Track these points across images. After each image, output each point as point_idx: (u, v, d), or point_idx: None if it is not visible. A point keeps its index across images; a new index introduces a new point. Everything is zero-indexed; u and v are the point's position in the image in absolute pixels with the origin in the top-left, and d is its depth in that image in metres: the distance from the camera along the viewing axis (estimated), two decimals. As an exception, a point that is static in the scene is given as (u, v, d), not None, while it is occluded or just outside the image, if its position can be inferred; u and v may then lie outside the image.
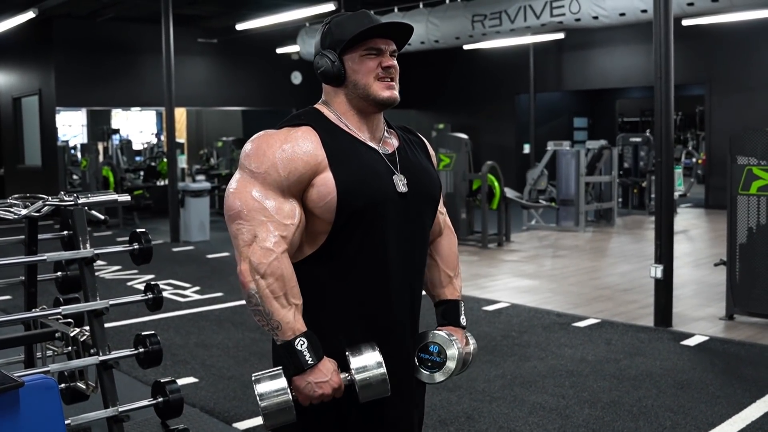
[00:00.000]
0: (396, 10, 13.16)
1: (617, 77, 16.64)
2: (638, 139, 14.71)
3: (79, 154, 16.40)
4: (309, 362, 1.88)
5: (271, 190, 1.92)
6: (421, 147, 2.21)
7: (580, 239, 11.59)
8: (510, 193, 11.27)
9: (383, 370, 1.93)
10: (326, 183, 1.93)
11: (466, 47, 15.31)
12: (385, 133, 2.12)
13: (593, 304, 7.21)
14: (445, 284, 2.27)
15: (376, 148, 2.05)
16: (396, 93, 2.03)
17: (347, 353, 1.95)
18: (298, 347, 1.88)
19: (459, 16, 12.11)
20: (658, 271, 6.23)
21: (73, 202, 3.31)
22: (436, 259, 2.27)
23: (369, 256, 1.99)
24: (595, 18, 10.26)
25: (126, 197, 3.52)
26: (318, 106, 2.09)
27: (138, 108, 17.79)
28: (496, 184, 10.95)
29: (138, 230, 3.44)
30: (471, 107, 19.00)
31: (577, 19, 10.46)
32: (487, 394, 4.72)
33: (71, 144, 17.77)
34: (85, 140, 18.65)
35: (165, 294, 7.86)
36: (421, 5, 12.90)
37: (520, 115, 18.39)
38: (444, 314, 2.24)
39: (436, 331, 2.16)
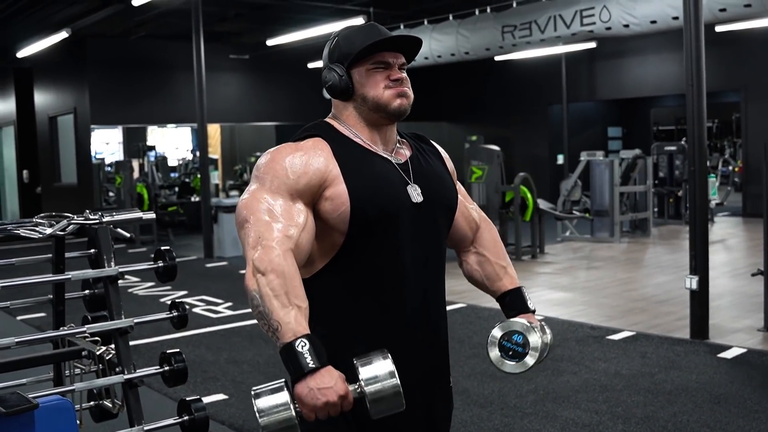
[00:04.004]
0: (426, 22, 13.15)
1: (651, 86, 16.48)
2: (673, 148, 14.53)
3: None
4: (310, 365, 1.69)
5: (279, 194, 1.89)
6: (436, 155, 2.17)
7: (615, 250, 11.46)
8: (543, 204, 11.18)
9: (396, 381, 1.73)
10: (339, 195, 1.90)
11: (497, 58, 15.26)
12: (398, 144, 2.08)
13: (628, 316, 7.10)
14: (502, 275, 2.22)
15: (389, 158, 2.02)
16: (406, 102, 2.00)
17: (355, 362, 1.76)
18: (299, 348, 1.71)
19: (489, 27, 12.06)
20: (693, 282, 6.13)
21: (97, 221, 3.31)
22: (484, 253, 2.23)
23: (383, 267, 1.95)
24: (626, 26, 10.15)
25: (151, 215, 3.50)
26: (328, 119, 2.06)
27: (173, 125, 17.96)
28: (528, 195, 10.87)
29: (162, 248, 3.42)
30: (504, 118, 18.92)
31: (608, 28, 10.36)
32: (519, 410, 4.65)
33: (108, 161, 17.96)
34: (122, 157, 18.87)
35: (197, 310, 7.91)
36: (450, 17, 12.87)
37: (554, 126, 18.27)
38: (512, 304, 2.18)
39: (516, 320, 2.06)
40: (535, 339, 2.01)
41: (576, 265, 10.29)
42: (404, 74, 2.01)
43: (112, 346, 3.34)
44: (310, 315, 1.98)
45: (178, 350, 3.32)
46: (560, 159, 18.20)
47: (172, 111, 16.35)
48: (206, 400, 4.93)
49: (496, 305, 2.26)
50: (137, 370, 3.22)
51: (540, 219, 11.00)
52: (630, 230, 13.19)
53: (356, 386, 1.74)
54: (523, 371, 2.03)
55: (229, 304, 8.18)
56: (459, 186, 2.24)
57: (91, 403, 3.73)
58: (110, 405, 3.51)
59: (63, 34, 12.28)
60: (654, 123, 21.51)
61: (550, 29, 11.07)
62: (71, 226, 3.33)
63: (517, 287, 2.21)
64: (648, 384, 5.08)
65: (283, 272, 1.78)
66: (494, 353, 2.04)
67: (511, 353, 2.03)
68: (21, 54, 14.37)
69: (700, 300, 6.18)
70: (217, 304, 8.19)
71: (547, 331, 2.15)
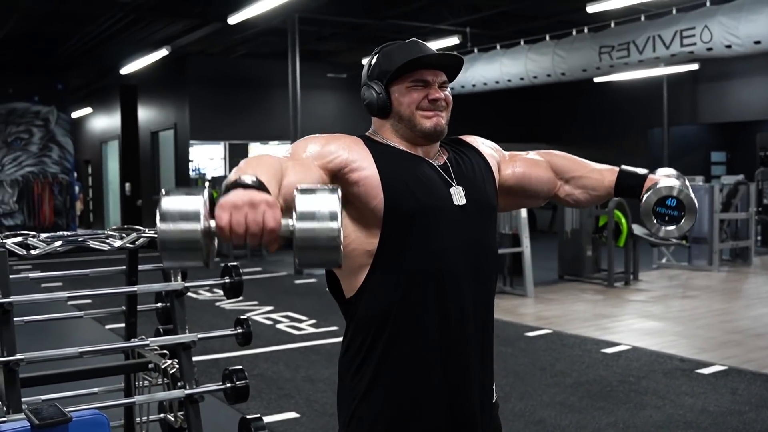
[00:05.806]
0: (522, 42, 13.01)
1: (757, 109, 15.89)
2: (778, 174, 13.95)
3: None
4: (248, 181, 1.37)
5: (293, 156, 1.81)
6: (473, 151, 2.08)
7: (713, 279, 11.02)
8: (638, 230, 10.84)
9: (336, 225, 1.33)
10: (374, 185, 1.83)
11: (596, 80, 14.99)
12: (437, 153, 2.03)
13: (721, 349, 6.78)
14: (602, 175, 2.15)
15: (429, 160, 1.96)
16: (442, 122, 1.93)
17: (295, 190, 1.39)
18: (244, 177, 1.39)
19: (586, 47, 11.85)
20: (791, 317, 5.81)
21: (166, 235, 3.33)
22: (572, 174, 2.16)
23: (427, 271, 1.86)
24: (728, 47, 9.79)
25: (220, 230, 3.51)
26: (367, 133, 2.04)
27: (275, 142, 18.23)
28: (623, 220, 10.57)
29: (230, 264, 3.42)
30: (602, 141, 18.54)
31: (709, 49, 10.02)
32: (596, 443, 4.47)
33: (209, 176, 18.34)
34: (224, 173, 19.24)
35: (281, 326, 7.94)
36: (547, 37, 12.71)
37: (654, 150, 17.79)
38: (632, 184, 2.11)
39: (659, 186, 2.01)
40: (684, 195, 2.00)
41: (670, 293, 9.94)
42: (443, 94, 1.95)
43: (177, 360, 3.35)
44: (346, 342, 1.93)
45: (240, 367, 3.30)
46: (660, 184, 17.69)
47: (270, 128, 16.62)
48: (278, 417, 4.93)
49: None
50: (199, 386, 3.22)
51: (634, 245, 10.67)
52: (730, 259, 12.69)
53: (289, 222, 1.35)
54: (672, 237, 2.06)
55: (313, 321, 8.18)
56: (509, 155, 2.17)
57: (161, 415, 3.76)
58: (172, 419, 3.51)
59: (163, 52, 12.64)
60: (761, 148, 20.72)
61: (648, 50, 10.79)
62: (141, 239, 3.36)
63: (620, 171, 2.13)
64: (737, 423, 4.81)
65: (260, 158, 1.61)
66: (651, 224, 2.02)
67: (666, 218, 2.01)
68: (124, 71, 14.85)
69: (798, 335, 5.86)
70: (300, 321, 8.20)
71: (682, 177, 2.13)
